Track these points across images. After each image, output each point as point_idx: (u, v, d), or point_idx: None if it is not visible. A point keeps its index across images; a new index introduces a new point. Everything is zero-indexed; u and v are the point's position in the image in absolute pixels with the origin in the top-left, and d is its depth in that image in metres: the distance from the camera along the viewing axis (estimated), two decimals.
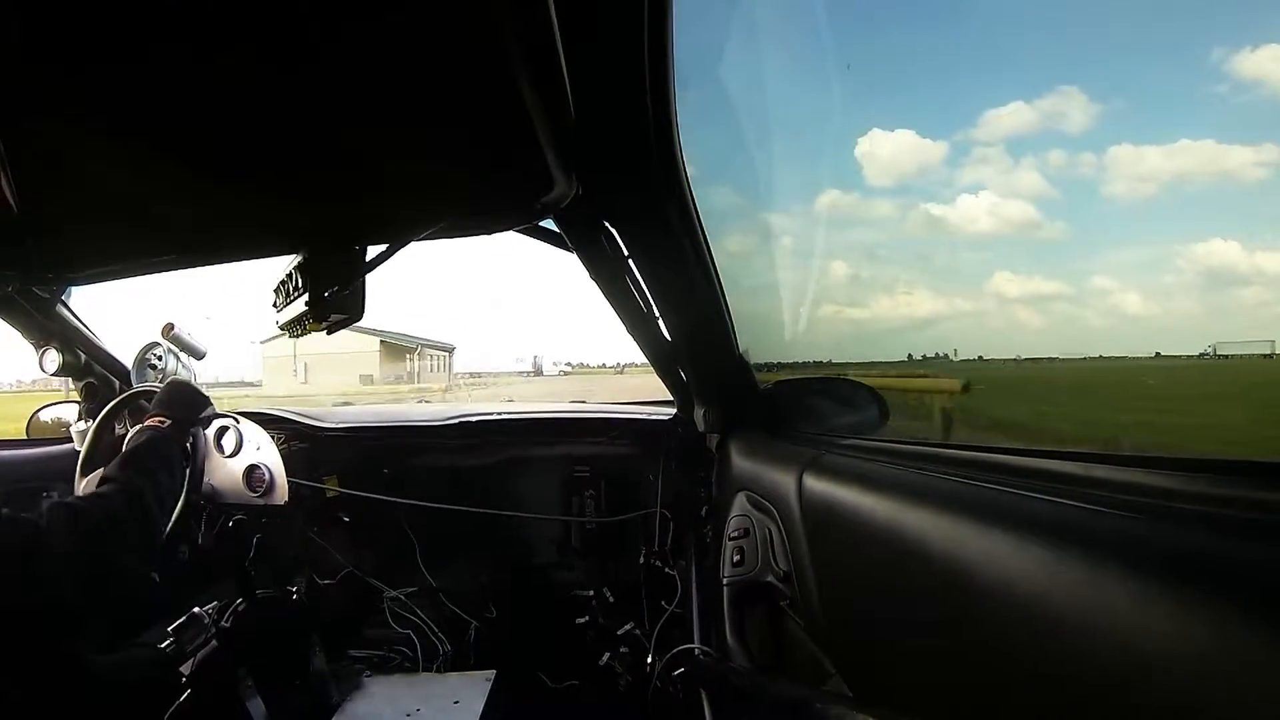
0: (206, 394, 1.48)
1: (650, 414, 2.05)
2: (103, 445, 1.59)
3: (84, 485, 1.54)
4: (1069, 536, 0.56)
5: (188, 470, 1.43)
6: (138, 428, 1.31)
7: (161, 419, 1.31)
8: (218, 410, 1.54)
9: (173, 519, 1.30)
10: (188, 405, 1.41)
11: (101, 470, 1.20)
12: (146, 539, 1.10)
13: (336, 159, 0.85)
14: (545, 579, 2.05)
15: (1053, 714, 0.54)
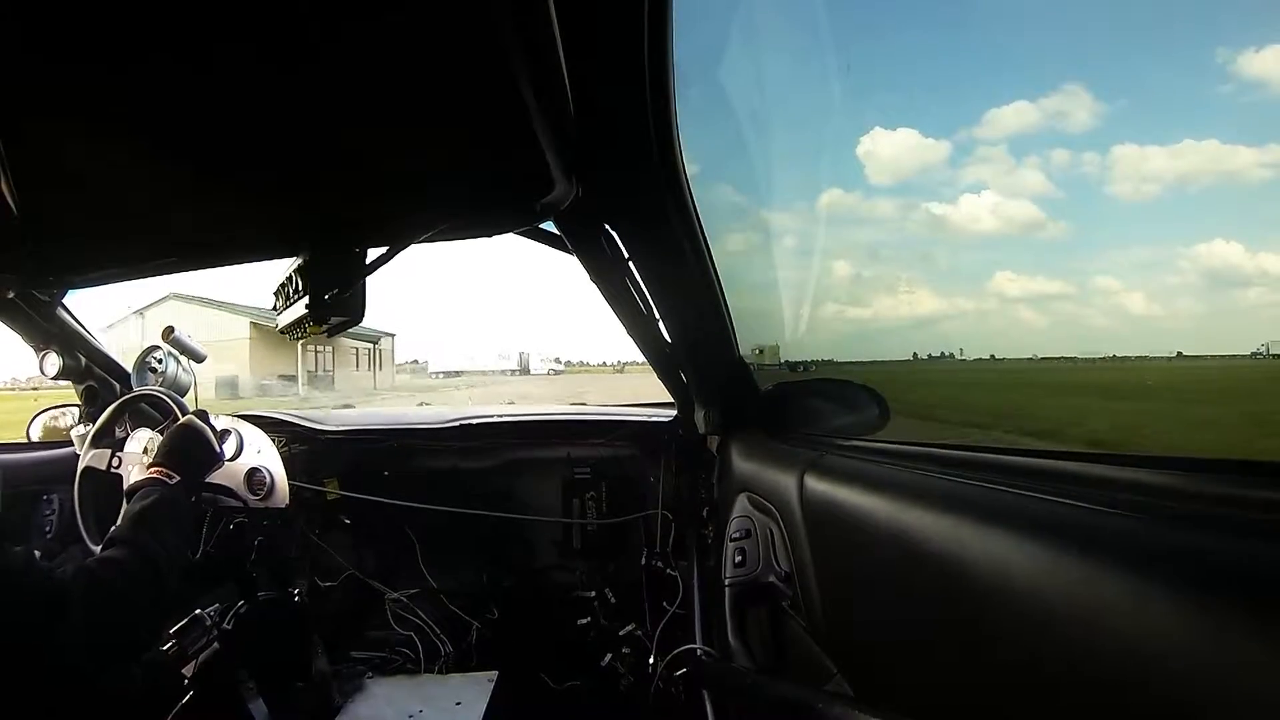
0: (217, 447, 1.41)
1: (651, 415, 2.05)
2: (103, 445, 1.59)
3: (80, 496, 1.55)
4: (1069, 536, 0.55)
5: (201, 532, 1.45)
6: (144, 478, 1.24)
7: (169, 474, 1.24)
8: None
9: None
10: (197, 462, 1.36)
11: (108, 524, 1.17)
12: (157, 606, 1.08)
13: (336, 159, 0.85)
14: (547, 580, 2.04)
15: (1053, 714, 0.53)
